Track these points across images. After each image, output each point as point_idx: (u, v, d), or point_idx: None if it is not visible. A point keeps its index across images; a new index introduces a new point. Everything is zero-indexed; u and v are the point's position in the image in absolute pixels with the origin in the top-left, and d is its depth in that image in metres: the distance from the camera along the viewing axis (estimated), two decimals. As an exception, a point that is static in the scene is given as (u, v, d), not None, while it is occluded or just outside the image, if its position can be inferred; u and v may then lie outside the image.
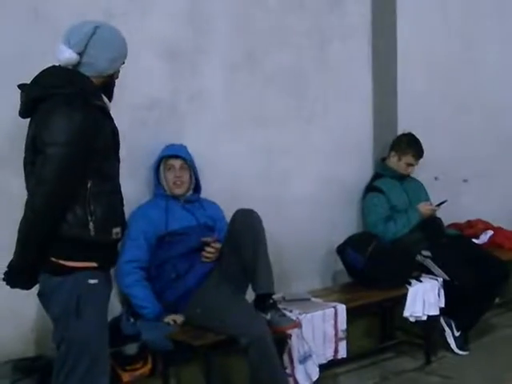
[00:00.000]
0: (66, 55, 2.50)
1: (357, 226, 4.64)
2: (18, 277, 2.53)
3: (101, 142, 2.49)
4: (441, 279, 4.28)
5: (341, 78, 4.56)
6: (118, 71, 2.65)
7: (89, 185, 2.46)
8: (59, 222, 2.43)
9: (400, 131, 4.74)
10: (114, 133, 2.61)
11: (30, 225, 2.43)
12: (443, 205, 4.55)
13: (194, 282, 3.44)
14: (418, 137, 4.62)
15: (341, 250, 4.26)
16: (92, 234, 2.47)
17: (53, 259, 2.46)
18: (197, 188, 3.71)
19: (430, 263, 4.36)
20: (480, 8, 5.29)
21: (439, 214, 4.70)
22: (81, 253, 2.47)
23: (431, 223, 4.54)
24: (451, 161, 5.13)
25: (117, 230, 2.56)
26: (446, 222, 4.88)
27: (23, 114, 2.56)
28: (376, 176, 4.66)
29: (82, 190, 2.45)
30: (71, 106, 2.40)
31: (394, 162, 4.62)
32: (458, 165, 5.20)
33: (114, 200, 2.57)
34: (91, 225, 2.46)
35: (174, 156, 3.59)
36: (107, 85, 2.61)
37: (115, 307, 3.42)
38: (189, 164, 3.62)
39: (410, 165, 4.62)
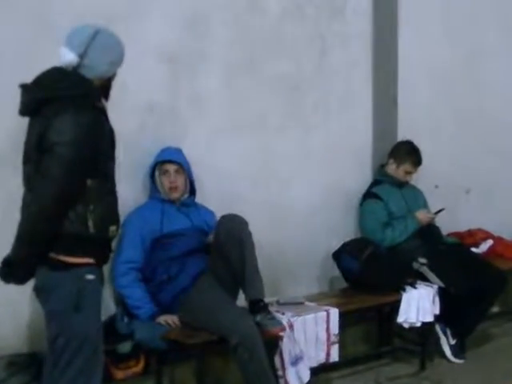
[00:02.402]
0: (68, 57, 2.60)
1: (355, 232, 4.68)
2: (15, 272, 2.58)
3: (104, 143, 2.60)
4: (436, 286, 4.31)
5: (341, 85, 4.62)
6: (115, 74, 2.75)
7: (89, 183, 2.55)
8: (63, 219, 2.52)
9: (400, 139, 4.78)
10: (112, 134, 2.70)
11: (36, 221, 2.51)
12: (441, 213, 4.59)
13: (186, 283, 3.50)
14: (418, 145, 4.67)
15: (337, 256, 4.31)
16: (91, 231, 2.57)
17: (52, 255, 2.54)
18: (192, 191, 3.76)
19: (425, 270, 4.39)
20: (483, 18, 5.30)
21: (440, 223, 4.74)
22: (80, 249, 2.56)
23: (429, 231, 4.58)
24: (452, 170, 5.15)
25: (113, 228, 2.67)
26: (447, 230, 4.91)
27: (24, 113, 2.64)
28: (375, 182, 4.70)
29: (83, 189, 2.54)
30: (79, 107, 2.50)
31: (392, 169, 4.66)
32: (459, 174, 5.21)
33: (111, 199, 2.68)
34: (90, 222, 2.56)
35: (169, 161, 3.65)
36: (105, 87, 2.71)
37: (110, 307, 3.46)
38: (184, 168, 3.68)
39: (408, 172, 4.67)
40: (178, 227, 3.64)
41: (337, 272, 4.39)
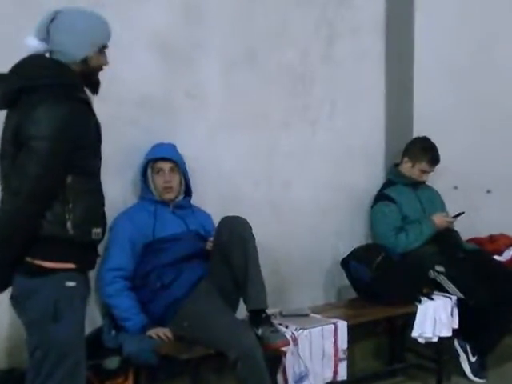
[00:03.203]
0: (32, 44, 2.62)
1: (365, 237, 4.71)
2: None
3: (86, 137, 2.58)
4: (455, 297, 4.30)
5: (350, 77, 4.62)
6: (99, 60, 2.70)
7: (68, 181, 2.54)
8: (41, 220, 2.51)
9: (415, 135, 4.77)
10: (98, 128, 2.69)
11: (11, 222, 2.50)
12: (460, 217, 4.59)
13: (181, 292, 3.50)
14: (434, 142, 4.66)
15: (345, 263, 4.33)
16: (70, 233, 2.55)
17: (28, 259, 2.53)
18: (187, 192, 3.77)
19: (443, 279, 4.38)
20: (501, 3, 5.26)
21: (457, 227, 4.73)
22: (58, 253, 2.55)
23: (446, 236, 4.59)
24: (472, 169, 5.12)
25: (97, 230, 2.65)
26: (466, 236, 4.89)
27: (2, 105, 2.63)
28: (387, 183, 4.72)
29: (62, 187, 2.54)
30: (57, 98, 2.50)
31: (407, 168, 4.67)
32: (479, 174, 5.17)
33: (95, 199, 2.67)
34: (69, 223, 2.55)
35: (163, 158, 3.65)
36: (87, 75, 2.69)
37: (96, 318, 3.52)
38: (179, 167, 3.69)
39: (424, 172, 4.66)
40: (172, 231, 3.65)
41: (345, 281, 4.40)
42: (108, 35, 2.73)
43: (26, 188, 2.48)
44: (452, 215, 4.65)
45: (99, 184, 2.73)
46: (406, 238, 4.49)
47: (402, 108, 4.82)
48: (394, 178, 4.72)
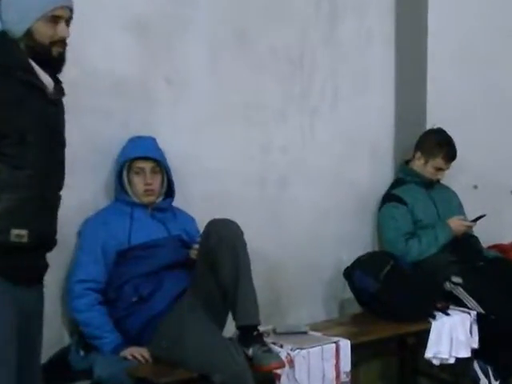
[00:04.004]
0: None
1: (372, 243, 4.73)
2: None
3: (12, 123, 2.56)
4: (474, 312, 4.28)
5: (355, 60, 4.63)
6: (46, 32, 2.68)
7: None
8: None
9: (429, 127, 4.76)
10: (46, 115, 2.66)
11: None
12: (480, 221, 4.57)
13: (161, 306, 3.47)
14: (451, 135, 4.66)
15: (349, 273, 4.31)
16: None
17: None
18: (169, 192, 3.76)
19: (460, 292, 4.37)
20: None
21: (476, 231, 4.72)
22: None
23: (465, 242, 4.59)
24: (494, 166, 5.13)
25: (19, 231, 2.61)
26: (487, 242, 4.89)
27: None
28: (397, 182, 4.71)
29: None
30: None
31: (419, 165, 4.66)
32: (502, 171, 5.19)
33: (23, 195, 2.62)
34: None
35: (143, 157, 3.62)
36: (36, 52, 2.66)
37: (63, 336, 3.50)
38: (161, 165, 3.68)
39: (439, 169, 4.66)
40: (151, 237, 3.63)
41: (349, 293, 4.40)
42: (56, 0, 2.70)
43: None
44: (471, 219, 4.63)
45: (36, 179, 2.65)
46: (419, 244, 4.49)
47: (414, 96, 4.81)
48: (404, 176, 4.72)
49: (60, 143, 2.77)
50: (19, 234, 2.61)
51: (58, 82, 2.76)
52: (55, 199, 2.79)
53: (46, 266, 2.84)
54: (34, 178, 2.65)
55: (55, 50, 2.70)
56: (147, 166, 3.63)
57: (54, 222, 2.80)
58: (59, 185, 2.81)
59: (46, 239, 2.77)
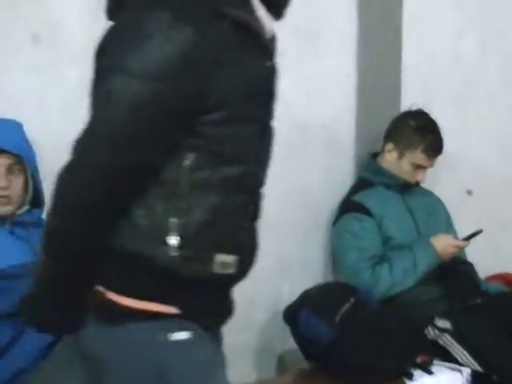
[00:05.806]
0: None
1: (324, 270, 4.67)
2: (39, 309, 2.46)
3: (224, 87, 2.29)
4: (468, 370, 4.11)
5: (303, 14, 4.34)
6: None
7: (185, 163, 2.30)
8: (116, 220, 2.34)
9: (405, 108, 4.68)
10: (270, 75, 2.45)
11: (70, 219, 2.32)
12: (476, 238, 4.44)
13: (25, 361, 3.29)
14: (435, 118, 4.56)
15: (292, 315, 4.09)
16: (172, 254, 2.32)
17: (101, 289, 2.40)
18: (36, 201, 3.60)
19: (448, 341, 4.21)
20: None
21: (474, 258, 4.67)
22: (149, 285, 2.37)
23: (455, 271, 4.46)
24: (493, 166, 5.16)
25: (225, 258, 2.41)
26: (487, 270, 4.89)
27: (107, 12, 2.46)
28: (360, 184, 4.59)
29: (169, 174, 2.30)
30: (177, 16, 2.24)
31: (391, 160, 4.54)
32: (505, 171, 5.20)
33: (230, 202, 2.42)
34: (174, 236, 2.30)
35: None
36: None
37: None
38: (25, 163, 3.49)
39: (418, 166, 4.52)
40: (10, 262, 3.42)
41: (291, 342, 4.21)
42: None
43: (93, 161, 2.27)
44: (463, 236, 4.49)
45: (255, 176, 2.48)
46: (390, 273, 4.32)
47: (385, 63, 4.75)
48: (370, 175, 4.60)
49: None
50: (225, 261, 2.42)
51: None
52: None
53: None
54: (256, 179, 2.51)
55: None
56: (1, 163, 3.45)
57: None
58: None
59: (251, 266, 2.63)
